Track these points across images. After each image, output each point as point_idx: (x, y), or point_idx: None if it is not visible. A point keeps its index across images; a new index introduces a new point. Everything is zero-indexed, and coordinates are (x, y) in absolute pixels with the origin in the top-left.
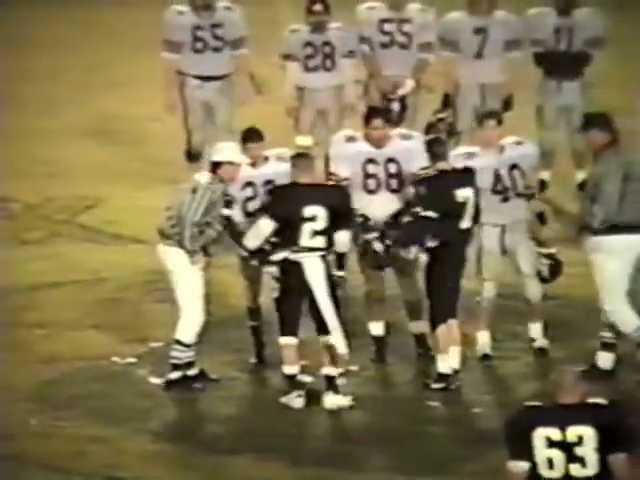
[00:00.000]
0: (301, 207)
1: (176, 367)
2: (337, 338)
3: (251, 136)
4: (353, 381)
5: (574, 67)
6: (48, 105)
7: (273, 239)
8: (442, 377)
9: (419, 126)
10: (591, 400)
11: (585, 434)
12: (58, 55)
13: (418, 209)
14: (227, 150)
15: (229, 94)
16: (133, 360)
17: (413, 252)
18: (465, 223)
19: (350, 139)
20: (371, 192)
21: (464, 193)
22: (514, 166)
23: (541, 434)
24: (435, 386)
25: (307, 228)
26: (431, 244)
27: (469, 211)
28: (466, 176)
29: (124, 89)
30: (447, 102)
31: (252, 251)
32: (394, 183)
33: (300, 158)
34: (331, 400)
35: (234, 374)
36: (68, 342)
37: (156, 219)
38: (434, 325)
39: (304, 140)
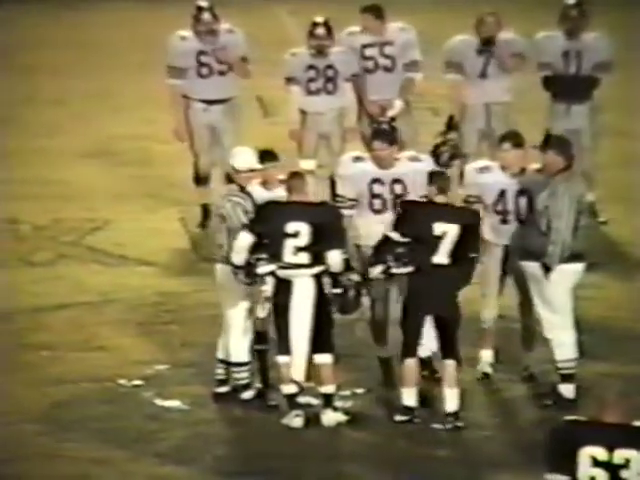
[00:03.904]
0: (284, 223)
1: (246, 387)
2: (296, 362)
3: (267, 156)
4: (359, 403)
5: (583, 91)
6: (56, 128)
7: (262, 255)
8: (406, 410)
9: (421, 148)
10: (637, 423)
11: (633, 458)
12: (64, 79)
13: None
14: (244, 156)
15: (235, 116)
16: (140, 382)
17: (376, 271)
18: (439, 258)
19: (357, 159)
20: (377, 212)
21: (443, 228)
22: (523, 192)
23: (587, 453)
24: (399, 418)
25: (290, 244)
26: (398, 270)
27: (445, 247)
28: (457, 213)
29: (131, 111)
30: (452, 124)
31: (239, 266)
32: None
33: (293, 178)
34: (329, 417)
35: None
36: (74, 364)
37: (163, 241)
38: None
39: (307, 164)
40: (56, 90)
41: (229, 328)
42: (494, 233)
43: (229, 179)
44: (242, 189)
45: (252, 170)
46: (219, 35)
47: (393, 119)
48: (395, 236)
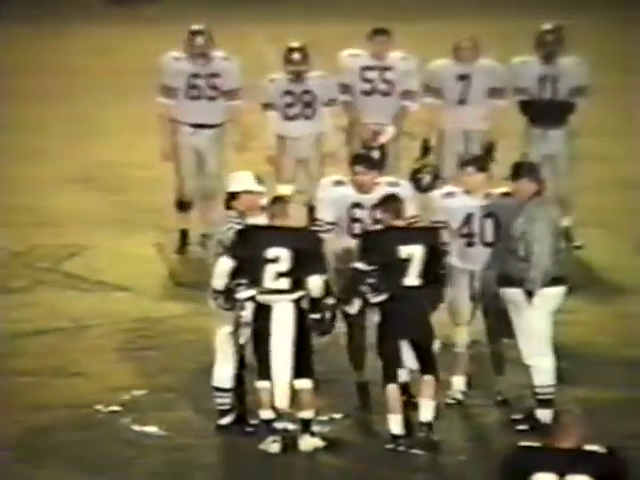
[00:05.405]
0: (264, 248)
1: (224, 412)
2: (279, 390)
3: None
4: (336, 428)
5: (559, 115)
6: (33, 154)
7: (243, 280)
8: (394, 438)
9: (402, 173)
10: (590, 447)
11: None
12: (43, 105)
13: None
14: (243, 179)
15: (220, 142)
16: (117, 408)
17: (355, 306)
18: (410, 280)
19: (337, 183)
20: (356, 237)
21: (408, 250)
22: (490, 215)
23: (538, 479)
24: (388, 446)
25: (270, 269)
26: (375, 299)
27: (414, 268)
28: (419, 234)
29: (108, 137)
30: (427, 148)
31: (219, 291)
32: None
33: (275, 202)
34: (306, 442)
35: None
36: (51, 390)
37: (140, 266)
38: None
39: (285, 189)
40: (34, 116)
41: (218, 355)
42: (460, 258)
43: (228, 206)
44: (241, 215)
45: (253, 193)
46: (213, 60)
47: (384, 145)
48: (362, 267)
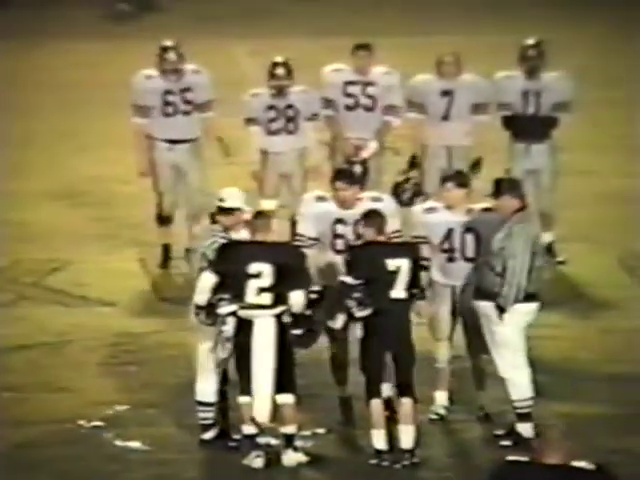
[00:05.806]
0: (246, 264)
1: (207, 427)
2: (259, 403)
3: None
4: (319, 443)
5: (542, 130)
6: (17, 168)
7: (225, 295)
8: (378, 453)
9: (385, 188)
10: (578, 463)
11: None
12: (28, 119)
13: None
14: (238, 196)
15: (199, 156)
16: (100, 423)
17: (339, 321)
18: (397, 292)
19: (320, 199)
20: (339, 252)
21: (396, 263)
22: (471, 230)
23: None
24: (371, 462)
25: (252, 285)
26: (360, 313)
27: (402, 281)
28: (403, 248)
29: (93, 152)
30: (414, 163)
31: (201, 306)
32: None
33: (258, 217)
34: (289, 457)
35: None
36: (35, 405)
37: (123, 281)
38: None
39: (268, 204)
40: (20, 131)
41: (199, 370)
42: (442, 273)
43: (213, 220)
44: (226, 230)
45: (244, 210)
46: (184, 75)
47: (366, 160)
48: (350, 280)
